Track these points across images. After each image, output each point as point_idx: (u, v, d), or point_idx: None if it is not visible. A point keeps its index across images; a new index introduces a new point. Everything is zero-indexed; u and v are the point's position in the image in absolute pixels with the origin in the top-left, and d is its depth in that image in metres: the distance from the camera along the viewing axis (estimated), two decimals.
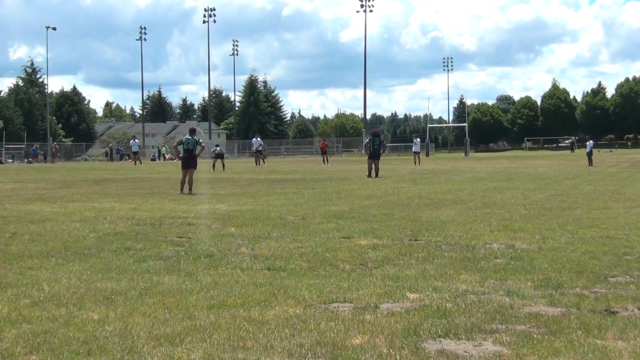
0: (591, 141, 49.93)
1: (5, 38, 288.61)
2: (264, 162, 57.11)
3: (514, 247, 10.35)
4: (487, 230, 12.24)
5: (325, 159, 60.68)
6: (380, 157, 33.59)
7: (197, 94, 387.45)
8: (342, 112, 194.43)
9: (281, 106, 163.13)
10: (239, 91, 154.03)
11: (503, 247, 10.38)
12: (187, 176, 22.60)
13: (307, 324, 6.10)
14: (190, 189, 22.38)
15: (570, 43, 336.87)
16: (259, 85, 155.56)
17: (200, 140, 23.47)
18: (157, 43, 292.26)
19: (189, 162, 22.83)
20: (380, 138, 34.65)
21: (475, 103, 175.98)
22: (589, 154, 47.27)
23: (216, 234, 12.27)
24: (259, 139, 59.20)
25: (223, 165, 43.20)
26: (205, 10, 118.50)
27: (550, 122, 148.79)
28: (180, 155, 23.19)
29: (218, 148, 45.89)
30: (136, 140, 73.71)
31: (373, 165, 32.52)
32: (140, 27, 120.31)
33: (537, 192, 21.45)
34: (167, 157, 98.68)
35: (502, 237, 11.43)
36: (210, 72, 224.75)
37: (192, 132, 23.58)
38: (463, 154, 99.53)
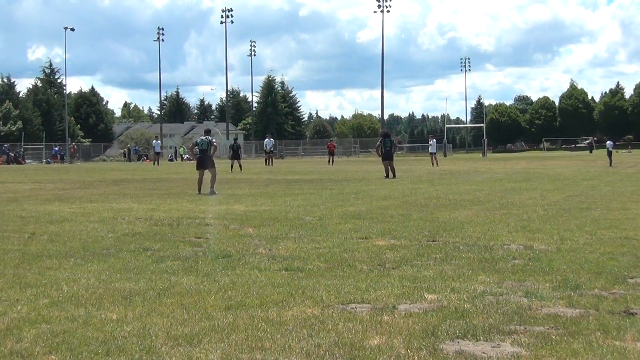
0: (610, 141, 49.65)
1: (23, 39, 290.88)
2: (272, 162, 57.52)
3: (532, 248, 10.32)
4: (505, 231, 12.21)
5: (330, 159, 61.28)
6: (394, 157, 33.55)
7: (214, 95, 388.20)
8: (359, 112, 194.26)
9: (298, 107, 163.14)
10: (257, 92, 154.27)
11: (521, 248, 10.35)
12: (210, 175, 22.71)
13: (325, 325, 6.10)
14: (212, 187, 22.45)
15: (588, 43, 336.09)
16: (276, 86, 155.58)
17: (213, 140, 23.56)
18: (174, 44, 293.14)
19: (203, 162, 22.94)
20: (391, 138, 34.56)
21: (493, 103, 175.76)
22: (609, 154, 47.06)
23: (234, 234, 12.29)
24: (271, 139, 59.77)
25: (240, 166, 43.30)
26: (223, 10, 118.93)
27: (568, 122, 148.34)
28: (197, 155, 23.31)
29: (236, 142, 46.25)
30: (158, 141, 73.89)
31: (389, 167, 32.46)
32: (158, 28, 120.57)
33: (555, 193, 21.37)
34: (185, 157, 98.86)
35: (520, 238, 11.39)
36: (227, 72, 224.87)
37: (207, 132, 23.77)
38: (481, 155, 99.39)
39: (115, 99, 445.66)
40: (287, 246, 10.73)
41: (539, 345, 5.48)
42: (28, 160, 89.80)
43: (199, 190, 22.59)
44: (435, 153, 53.37)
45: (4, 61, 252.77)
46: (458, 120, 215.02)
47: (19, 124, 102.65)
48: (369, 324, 6.13)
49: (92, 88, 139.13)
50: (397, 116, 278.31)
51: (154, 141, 74.04)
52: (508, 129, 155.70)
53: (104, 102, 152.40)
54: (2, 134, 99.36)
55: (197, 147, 23.41)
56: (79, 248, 10.77)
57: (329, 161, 62.03)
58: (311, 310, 6.65)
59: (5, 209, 17.49)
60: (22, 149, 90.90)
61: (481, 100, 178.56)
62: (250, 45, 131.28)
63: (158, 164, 65.84)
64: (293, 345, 5.53)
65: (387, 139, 33.73)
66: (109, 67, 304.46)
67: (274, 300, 7.05)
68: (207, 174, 22.98)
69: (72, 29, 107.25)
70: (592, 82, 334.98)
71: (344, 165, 58.64)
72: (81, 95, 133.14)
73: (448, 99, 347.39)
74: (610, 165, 44.97)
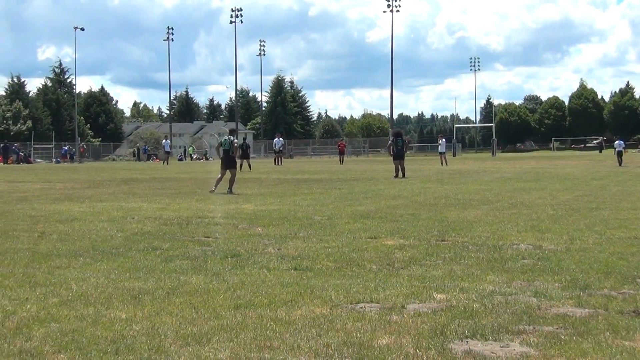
0: (620, 141, 49.24)
1: (33, 39, 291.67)
2: (281, 161, 57.52)
3: (541, 247, 10.30)
4: (515, 231, 12.19)
5: (341, 158, 61.65)
6: (405, 157, 33.58)
7: (223, 94, 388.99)
8: (368, 112, 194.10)
9: (308, 106, 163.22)
10: (266, 91, 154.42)
11: (530, 247, 10.34)
12: (230, 176, 22.76)
13: (334, 324, 6.11)
14: (230, 187, 22.50)
15: (597, 43, 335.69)
16: (285, 86, 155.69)
17: (234, 140, 23.61)
18: (184, 43, 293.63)
19: (226, 162, 23.02)
20: (403, 138, 34.59)
21: (503, 103, 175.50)
22: (620, 154, 46.67)
23: (243, 233, 12.29)
24: (281, 138, 59.82)
25: (249, 166, 43.34)
26: (232, 10, 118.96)
27: (578, 122, 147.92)
28: (221, 156, 23.44)
29: (245, 142, 46.41)
30: (168, 141, 73.98)
31: (399, 166, 32.46)
32: (168, 27, 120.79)
33: (565, 193, 21.33)
34: (194, 157, 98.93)
35: (529, 237, 11.37)
36: (237, 72, 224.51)
37: (232, 132, 24.08)
38: (490, 154, 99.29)
39: (124, 99, 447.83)
40: (296, 245, 10.73)
41: (548, 345, 5.48)
42: (38, 160, 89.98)
43: (214, 187, 22.58)
44: (444, 153, 53.45)
45: (14, 61, 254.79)
46: (467, 120, 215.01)
47: (29, 123, 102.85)
48: (378, 323, 6.14)
49: (102, 87, 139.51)
50: (407, 116, 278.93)
51: (164, 141, 74.21)
52: (517, 128, 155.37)
53: (113, 102, 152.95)
54: (12, 133, 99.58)
55: (221, 147, 23.51)
56: (89, 247, 10.79)
57: (340, 160, 62.35)
58: (320, 309, 6.65)
59: (15, 208, 17.53)
60: (31, 149, 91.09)
61: (490, 100, 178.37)
62: (260, 44, 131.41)
63: (167, 163, 66.01)
64: (302, 345, 5.53)
65: (399, 138, 33.77)
66: (119, 66, 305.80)
67: (282, 299, 7.05)
68: (229, 174, 23.01)
69: (82, 29, 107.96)
70: (602, 82, 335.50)
71: (353, 164, 58.67)
72: (91, 94, 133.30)
73: (457, 98, 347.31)
74: (620, 165, 44.77)
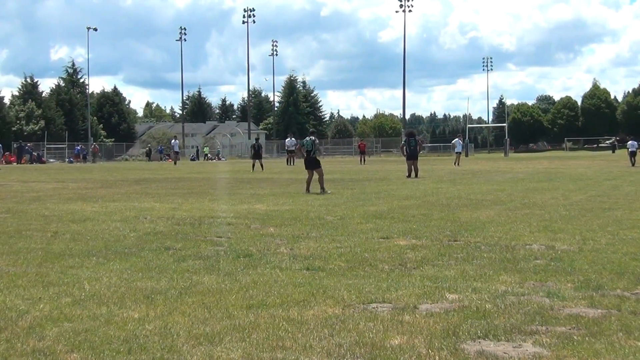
0: (634, 141, 48.95)
1: (46, 39, 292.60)
2: (293, 161, 57.57)
3: (554, 248, 10.28)
4: (527, 231, 12.16)
5: (362, 158, 61.70)
6: (419, 157, 33.58)
7: (236, 94, 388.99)
8: (381, 112, 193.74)
9: (320, 106, 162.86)
10: (278, 91, 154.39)
11: (543, 248, 10.31)
12: (318, 176, 22.83)
13: (346, 324, 6.11)
14: (322, 186, 22.53)
15: (610, 43, 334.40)
16: (298, 86, 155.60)
17: (315, 139, 23.73)
18: (196, 44, 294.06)
19: (308, 163, 23.22)
20: (416, 138, 34.59)
21: (515, 103, 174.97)
22: (633, 154, 46.37)
23: (255, 233, 12.30)
24: (293, 138, 59.91)
25: (261, 165, 43.42)
26: (245, 10, 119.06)
27: (591, 122, 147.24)
28: (304, 156, 23.62)
29: (257, 142, 46.73)
30: (177, 141, 74.12)
31: (412, 166, 32.45)
32: (180, 27, 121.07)
33: (578, 193, 21.26)
34: (208, 157, 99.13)
35: (542, 238, 11.35)
36: (249, 72, 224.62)
37: (312, 133, 24.57)
38: (502, 154, 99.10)
39: (137, 99, 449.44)
40: (308, 245, 10.74)
41: (561, 345, 5.47)
42: (51, 160, 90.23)
43: (307, 189, 22.60)
44: (460, 152, 53.58)
45: (27, 61, 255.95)
46: (480, 120, 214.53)
47: (42, 123, 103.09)
48: (390, 323, 6.13)
49: (115, 88, 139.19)
50: (419, 116, 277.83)
51: (173, 141, 74.41)
52: (530, 128, 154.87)
53: (126, 102, 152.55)
54: (25, 133, 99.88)
55: (303, 147, 23.72)
56: (101, 247, 10.82)
57: (360, 160, 62.53)
58: (332, 309, 6.65)
59: (29, 208, 17.59)
60: (44, 149, 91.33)
61: (503, 100, 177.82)
62: (272, 45, 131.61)
63: (176, 163, 66.23)
64: (314, 345, 5.54)
65: (412, 138, 33.80)
66: (132, 66, 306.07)
67: (295, 299, 7.06)
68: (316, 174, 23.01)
69: (95, 29, 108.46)
70: (615, 82, 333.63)
71: (365, 164, 58.61)
72: (104, 94, 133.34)
73: (470, 98, 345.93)
74: (633, 165, 44.59)
